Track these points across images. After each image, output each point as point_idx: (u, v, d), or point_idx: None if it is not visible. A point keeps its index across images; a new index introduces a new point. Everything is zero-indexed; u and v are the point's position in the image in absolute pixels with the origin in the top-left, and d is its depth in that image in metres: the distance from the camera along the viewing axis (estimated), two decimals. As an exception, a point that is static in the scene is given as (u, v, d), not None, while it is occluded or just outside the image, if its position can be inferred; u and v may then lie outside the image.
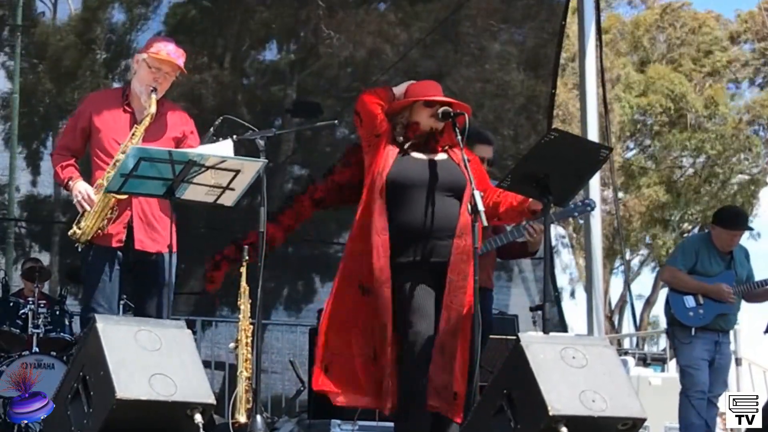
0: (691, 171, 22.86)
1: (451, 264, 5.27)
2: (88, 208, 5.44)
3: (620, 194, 21.33)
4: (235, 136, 5.80)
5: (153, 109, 5.49)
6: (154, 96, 5.50)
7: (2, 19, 11.06)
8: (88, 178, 5.62)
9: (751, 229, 7.58)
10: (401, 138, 5.36)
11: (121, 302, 6.81)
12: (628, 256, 22.95)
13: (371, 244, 5.25)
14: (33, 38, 11.15)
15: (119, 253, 5.52)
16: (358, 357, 5.31)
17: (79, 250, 5.52)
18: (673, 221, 23.29)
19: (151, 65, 5.56)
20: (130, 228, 5.52)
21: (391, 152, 5.32)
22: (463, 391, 5.25)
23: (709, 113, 22.11)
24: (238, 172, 5.25)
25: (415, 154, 5.35)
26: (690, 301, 7.39)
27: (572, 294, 24.80)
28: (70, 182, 5.55)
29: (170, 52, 5.58)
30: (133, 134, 5.48)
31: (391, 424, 6.34)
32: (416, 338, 5.17)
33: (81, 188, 5.49)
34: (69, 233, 5.52)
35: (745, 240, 7.78)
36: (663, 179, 22.75)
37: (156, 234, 5.56)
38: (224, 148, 5.44)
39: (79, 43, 11.18)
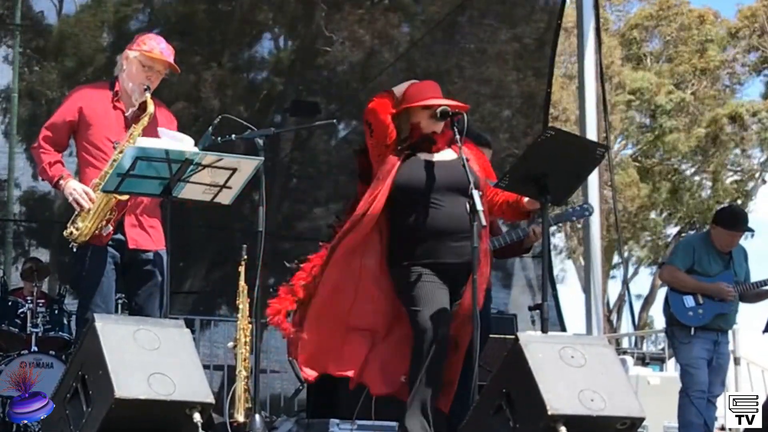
0: (687, 170, 22.86)
1: (476, 266, 5.23)
2: (86, 206, 5.36)
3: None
4: (234, 135, 5.80)
5: (152, 108, 5.44)
6: (148, 95, 5.45)
7: (1, 17, 11.05)
8: (73, 173, 5.57)
9: (751, 230, 7.56)
10: (406, 142, 5.35)
11: (119, 302, 6.83)
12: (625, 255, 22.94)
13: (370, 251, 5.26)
14: (34, 35, 11.14)
15: (114, 252, 5.49)
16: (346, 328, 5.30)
17: (75, 250, 5.45)
18: (665, 220, 23.30)
19: (144, 63, 5.50)
20: (122, 227, 5.47)
21: (398, 156, 5.30)
22: (455, 383, 5.27)
23: (703, 111, 22.11)
24: (234, 170, 5.23)
25: (421, 155, 5.33)
26: (689, 300, 7.38)
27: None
28: (61, 181, 5.44)
29: (163, 50, 5.54)
30: (131, 134, 5.42)
31: (390, 423, 6.36)
32: (439, 341, 5.14)
33: (77, 187, 5.39)
34: (64, 233, 5.43)
35: (742, 240, 7.79)
36: (657, 178, 22.74)
37: (148, 232, 5.54)
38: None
39: (82, 39, 11.16)
